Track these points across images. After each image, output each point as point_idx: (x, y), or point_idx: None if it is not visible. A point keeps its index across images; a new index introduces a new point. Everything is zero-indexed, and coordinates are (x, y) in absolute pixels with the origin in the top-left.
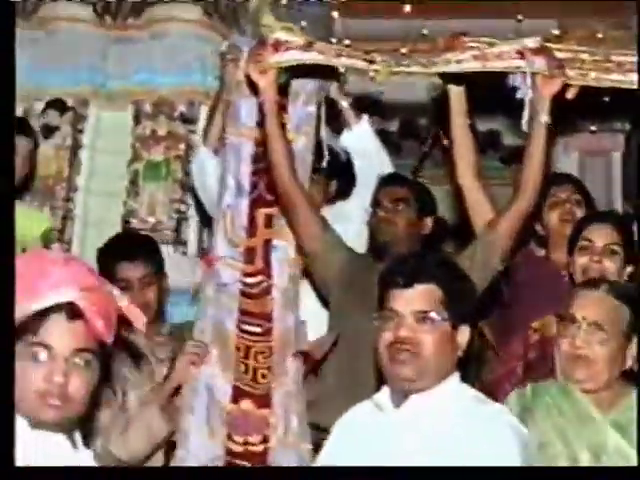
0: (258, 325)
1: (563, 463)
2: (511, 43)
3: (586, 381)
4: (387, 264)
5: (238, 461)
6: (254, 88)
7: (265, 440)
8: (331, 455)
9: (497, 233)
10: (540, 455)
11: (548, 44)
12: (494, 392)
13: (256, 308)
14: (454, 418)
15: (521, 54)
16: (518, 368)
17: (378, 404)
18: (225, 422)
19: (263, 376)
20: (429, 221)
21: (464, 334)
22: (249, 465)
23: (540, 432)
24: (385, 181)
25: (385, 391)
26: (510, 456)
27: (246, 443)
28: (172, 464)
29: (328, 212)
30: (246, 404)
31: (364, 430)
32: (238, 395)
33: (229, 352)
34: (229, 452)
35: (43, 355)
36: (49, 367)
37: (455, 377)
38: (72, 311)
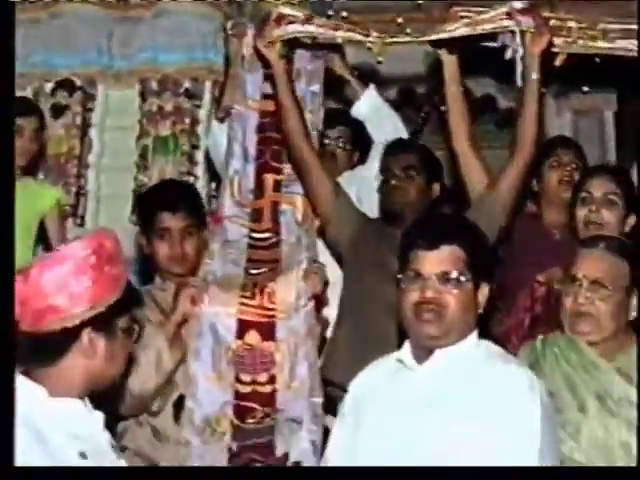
0: (266, 264)
1: (572, 412)
2: (500, 6)
3: (590, 333)
4: (409, 226)
5: (246, 404)
6: (264, 61)
7: (272, 381)
8: (356, 407)
9: (498, 191)
10: (558, 398)
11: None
12: (503, 344)
13: (265, 257)
14: (477, 373)
15: (509, 15)
16: (526, 320)
17: (401, 360)
18: (231, 361)
19: (269, 298)
20: (437, 187)
21: (484, 292)
22: (256, 408)
23: (549, 382)
24: (393, 147)
25: (407, 348)
26: (530, 409)
27: (254, 382)
28: (181, 417)
29: (349, 176)
30: (251, 337)
31: (388, 385)
32: (243, 327)
33: (232, 291)
34: (237, 395)
35: None
36: None
37: (475, 333)
38: None
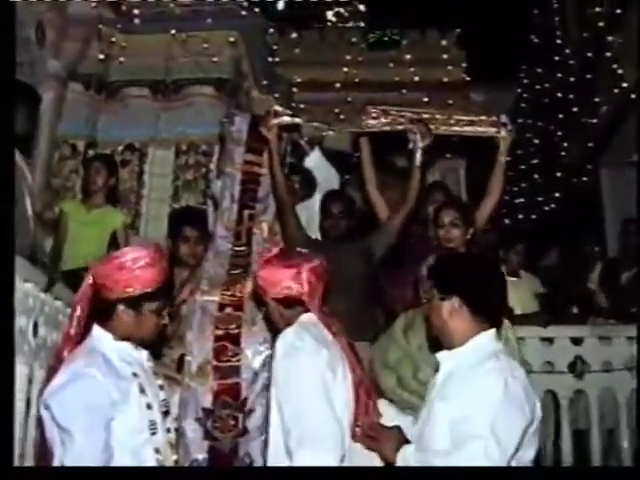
0: (241, 267)
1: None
2: (407, 112)
3: None
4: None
5: (220, 343)
6: (264, 138)
7: (239, 326)
8: None
9: (393, 223)
10: (420, 350)
11: (416, 109)
12: (392, 307)
13: (241, 262)
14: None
15: (411, 121)
16: (409, 293)
17: None
18: (212, 322)
19: (240, 290)
20: (354, 221)
21: None
22: (227, 346)
23: (418, 335)
24: (330, 195)
25: None
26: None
27: (227, 328)
28: (183, 368)
29: (301, 206)
30: (228, 310)
31: None
32: (222, 307)
33: (217, 287)
34: (215, 339)
35: None
36: None
37: None
38: None
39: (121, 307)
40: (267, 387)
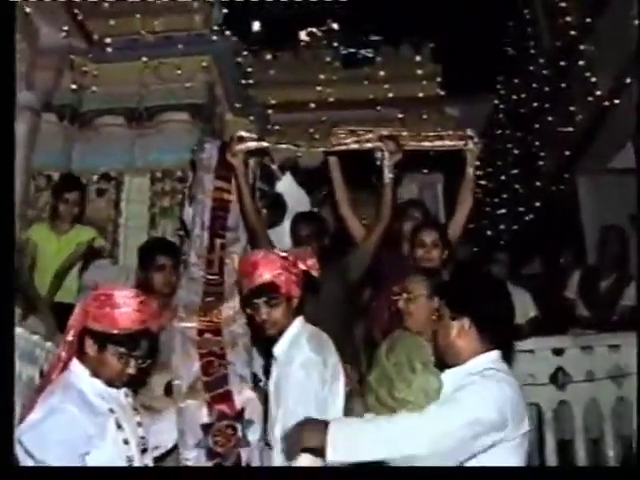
0: (214, 295)
1: (406, 373)
2: (374, 131)
3: (412, 327)
4: None
5: (206, 359)
6: (230, 165)
7: (222, 348)
8: None
9: (369, 242)
10: (398, 366)
11: (384, 127)
12: (370, 327)
13: (214, 290)
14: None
15: (380, 139)
16: (385, 315)
17: None
18: (195, 345)
19: (216, 316)
20: (327, 240)
21: None
22: (213, 360)
23: (399, 355)
24: (301, 218)
25: None
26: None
27: (210, 347)
28: (172, 393)
29: (272, 231)
30: (207, 335)
31: None
32: (201, 333)
33: (193, 314)
34: (200, 356)
35: None
36: None
37: None
38: None
39: (88, 340)
40: (261, 396)
